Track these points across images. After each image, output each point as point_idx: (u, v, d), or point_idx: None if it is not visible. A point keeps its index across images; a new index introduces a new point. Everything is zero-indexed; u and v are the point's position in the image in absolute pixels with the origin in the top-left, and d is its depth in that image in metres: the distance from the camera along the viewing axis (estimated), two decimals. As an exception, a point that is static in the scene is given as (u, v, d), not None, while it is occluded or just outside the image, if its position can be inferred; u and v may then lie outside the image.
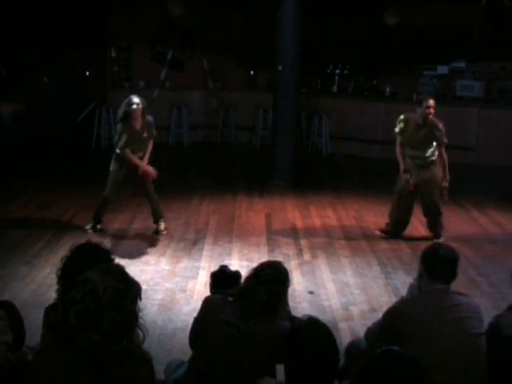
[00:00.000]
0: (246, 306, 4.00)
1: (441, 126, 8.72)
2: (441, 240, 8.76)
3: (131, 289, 3.00)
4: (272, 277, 4.06)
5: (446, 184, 8.78)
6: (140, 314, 3.05)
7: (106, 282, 2.93)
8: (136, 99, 8.48)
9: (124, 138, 8.58)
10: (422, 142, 8.72)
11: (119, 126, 8.69)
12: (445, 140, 8.72)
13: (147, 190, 8.93)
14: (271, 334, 3.97)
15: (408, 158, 8.87)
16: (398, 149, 8.95)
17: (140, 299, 3.07)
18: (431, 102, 8.72)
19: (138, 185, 8.97)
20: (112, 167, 8.92)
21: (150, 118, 8.72)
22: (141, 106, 8.49)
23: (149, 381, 2.96)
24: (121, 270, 3.10)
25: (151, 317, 6.32)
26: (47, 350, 2.96)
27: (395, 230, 9.11)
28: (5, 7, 13.44)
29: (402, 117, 9.06)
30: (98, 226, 8.94)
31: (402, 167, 8.89)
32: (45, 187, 11.18)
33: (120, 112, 8.58)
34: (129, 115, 8.48)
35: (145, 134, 8.65)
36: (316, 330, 3.34)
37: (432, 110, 8.70)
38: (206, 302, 4.26)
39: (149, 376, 2.97)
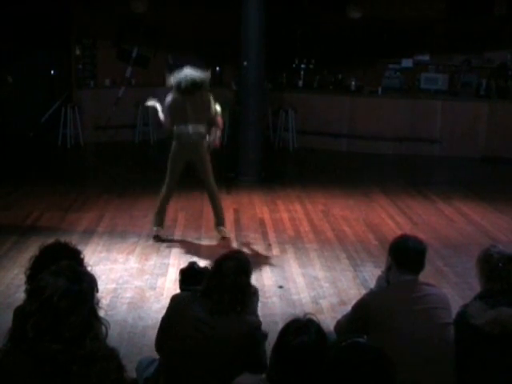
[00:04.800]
0: (213, 301, 4.00)
1: None
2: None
3: (85, 286, 2.95)
4: (235, 268, 4.08)
5: None
6: (102, 306, 3.03)
7: (59, 286, 2.86)
8: None
9: None
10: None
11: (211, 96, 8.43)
12: None
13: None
14: (241, 329, 3.98)
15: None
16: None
17: (97, 291, 3.05)
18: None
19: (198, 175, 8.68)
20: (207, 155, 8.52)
21: None
22: None
23: (117, 377, 2.93)
24: (72, 269, 3.03)
25: (121, 315, 6.31)
26: (11, 356, 2.89)
27: None
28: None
29: None
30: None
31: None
32: (8, 187, 11.05)
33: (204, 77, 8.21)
34: None
35: None
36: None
37: None
38: (174, 300, 4.25)
39: (117, 372, 2.93)
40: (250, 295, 4.16)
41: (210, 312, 3.98)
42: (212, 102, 8.37)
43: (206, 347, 3.95)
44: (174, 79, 8.23)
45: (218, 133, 8.58)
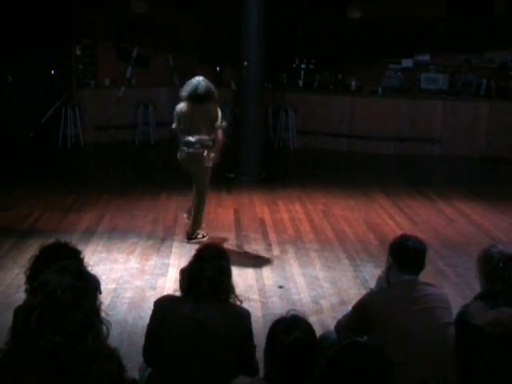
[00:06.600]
0: (197, 290, 3.97)
1: None
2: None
3: (89, 285, 2.97)
4: (213, 254, 4.08)
5: None
6: (103, 307, 3.04)
7: (63, 282, 2.88)
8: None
9: None
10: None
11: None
12: None
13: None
14: (229, 320, 3.94)
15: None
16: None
17: (100, 293, 3.06)
18: None
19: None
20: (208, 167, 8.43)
21: None
22: None
23: (117, 377, 2.94)
24: (77, 267, 3.06)
25: (121, 315, 6.32)
26: (13, 354, 2.90)
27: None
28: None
29: None
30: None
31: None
32: (8, 187, 11.01)
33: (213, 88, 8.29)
34: None
35: None
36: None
37: None
38: (157, 305, 4.13)
39: (117, 372, 2.94)
40: (231, 283, 4.12)
41: (194, 305, 3.93)
42: (219, 114, 8.30)
43: (196, 345, 3.89)
44: (185, 87, 8.18)
45: (218, 148, 8.41)
